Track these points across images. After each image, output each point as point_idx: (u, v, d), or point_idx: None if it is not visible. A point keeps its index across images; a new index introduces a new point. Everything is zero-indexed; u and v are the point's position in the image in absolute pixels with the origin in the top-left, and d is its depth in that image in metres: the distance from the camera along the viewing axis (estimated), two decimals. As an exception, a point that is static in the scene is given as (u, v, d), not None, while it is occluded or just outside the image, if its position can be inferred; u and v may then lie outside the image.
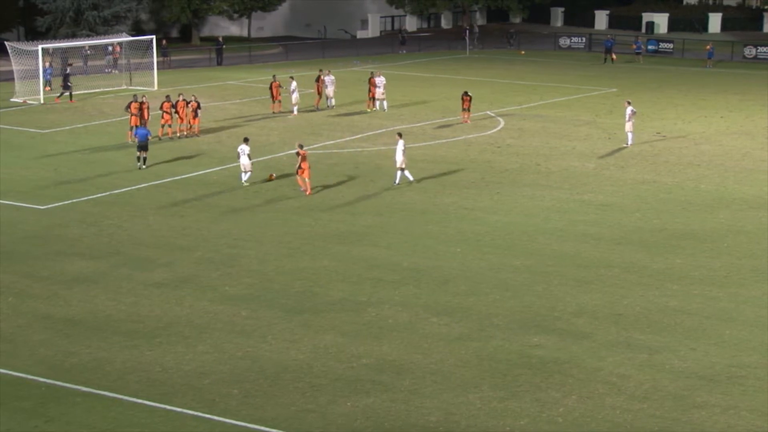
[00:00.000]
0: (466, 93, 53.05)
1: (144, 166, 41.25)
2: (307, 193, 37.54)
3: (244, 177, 38.81)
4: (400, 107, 56.66)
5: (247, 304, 26.84)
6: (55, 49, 64.54)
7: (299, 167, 37.46)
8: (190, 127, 48.46)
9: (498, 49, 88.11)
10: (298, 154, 37.62)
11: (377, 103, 55.99)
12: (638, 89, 64.56)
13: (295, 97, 54.57)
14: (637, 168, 42.64)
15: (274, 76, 56.99)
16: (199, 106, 48.50)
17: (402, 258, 30.61)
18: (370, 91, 56.11)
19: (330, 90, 56.21)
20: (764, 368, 23.04)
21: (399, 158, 38.63)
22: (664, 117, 54.82)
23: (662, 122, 53.17)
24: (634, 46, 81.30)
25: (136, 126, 46.57)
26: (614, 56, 79.14)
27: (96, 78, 64.74)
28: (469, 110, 52.71)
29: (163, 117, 47.51)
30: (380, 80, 55.58)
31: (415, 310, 26.42)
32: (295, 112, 54.39)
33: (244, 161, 38.72)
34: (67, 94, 58.55)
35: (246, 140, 39.08)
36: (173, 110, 47.91)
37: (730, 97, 62.08)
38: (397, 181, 39.04)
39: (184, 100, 48.22)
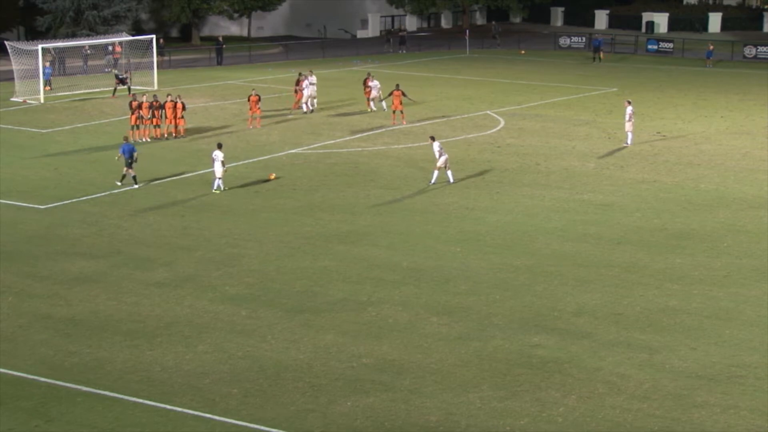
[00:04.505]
0: (397, 87, 51.73)
1: (136, 185, 38.28)
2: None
3: (215, 185, 38.07)
4: (400, 107, 56.63)
5: (248, 303, 26.86)
6: (56, 48, 64.56)
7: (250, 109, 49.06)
8: (176, 128, 48.18)
9: (497, 49, 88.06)
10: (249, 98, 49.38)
11: (376, 103, 55.95)
12: (638, 89, 64.54)
13: (311, 90, 54.72)
14: (636, 168, 42.65)
15: (300, 73, 56.94)
16: (183, 107, 48.27)
17: (402, 258, 30.62)
18: (365, 92, 56.17)
19: (310, 91, 55.17)
20: (764, 368, 23.06)
21: (441, 158, 38.93)
22: (664, 117, 54.81)
23: (662, 122, 53.17)
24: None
25: (135, 125, 46.69)
26: (602, 55, 79.61)
27: (96, 78, 64.73)
28: (403, 111, 51.53)
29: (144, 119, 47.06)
30: (374, 84, 55.49)
31: (415, 310, 26.43)
32: (310, 107, 54.68)
33: (217, 167, 37.87)
34: (126, 87, 59.33)
35: (219, 146, 38.52)
36: (160, 111, 47.64)
37: (730, 97, 62.06)
38: (433, 180, 39.22)
39: (172, 101, 48.03)
